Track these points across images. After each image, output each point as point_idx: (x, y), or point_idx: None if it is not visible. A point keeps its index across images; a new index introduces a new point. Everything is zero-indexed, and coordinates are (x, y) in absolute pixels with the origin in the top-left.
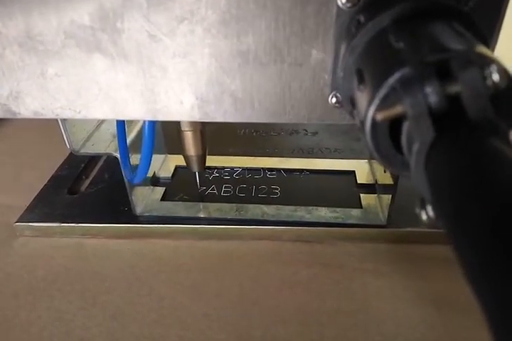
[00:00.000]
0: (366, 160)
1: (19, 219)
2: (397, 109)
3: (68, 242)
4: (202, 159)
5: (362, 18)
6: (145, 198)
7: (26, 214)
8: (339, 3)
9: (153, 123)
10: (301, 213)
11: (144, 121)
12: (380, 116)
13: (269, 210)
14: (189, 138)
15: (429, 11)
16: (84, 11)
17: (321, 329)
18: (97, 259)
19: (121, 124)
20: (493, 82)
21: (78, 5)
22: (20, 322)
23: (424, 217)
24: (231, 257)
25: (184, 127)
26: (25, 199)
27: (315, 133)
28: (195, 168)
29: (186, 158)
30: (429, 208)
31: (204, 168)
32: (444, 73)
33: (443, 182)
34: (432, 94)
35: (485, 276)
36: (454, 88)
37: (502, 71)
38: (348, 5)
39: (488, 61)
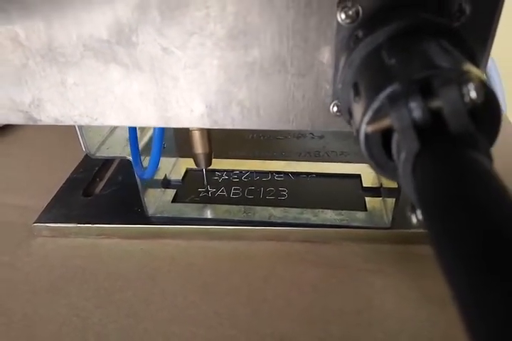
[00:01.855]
0: None
1: (37, 220)
2: (385, 122)
3: (84, 242)
4: (209, 157)
5: (360, 34)
6: (157, 200)
7: (44, 215)
8: (339, 19)
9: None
10: (308, 215)
11: None
12: (370, 129)
13: (276, 212)
14: (197, 137)
15: (422, 29)
16: (102, 25)
17: (327, 327)
18: (112, 259)
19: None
20: (471, 99)
21: (97, 20)
22: (39, 318)
23: (414, 220)
24: (240, 257)
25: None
26: (41, 200)
27: (321, 137)
28: (202, 164)
29: (194, 155)
30: (419, 212)
31: (210, 165)
32: (428, 90)
33: (427, 189)
34: (415, 109)
35: (462, 278)
36: (436, 104)
37: (479, 88)
38: (347, 21)
39: (467, 79)
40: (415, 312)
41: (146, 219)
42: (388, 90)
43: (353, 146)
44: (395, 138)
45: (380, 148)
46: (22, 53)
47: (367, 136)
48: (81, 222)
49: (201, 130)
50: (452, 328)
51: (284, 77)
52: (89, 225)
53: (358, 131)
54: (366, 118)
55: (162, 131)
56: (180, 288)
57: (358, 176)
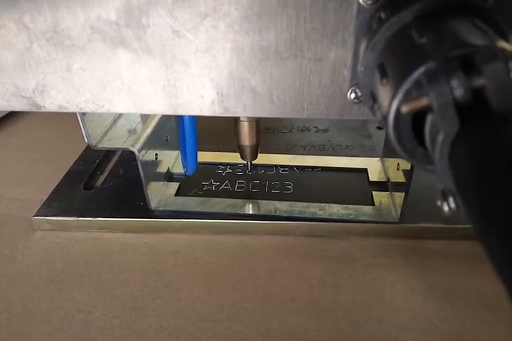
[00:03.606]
0: (378, 159)
1: (37, 213)
2: (423, 102)
3: (85, 236)
4: (255, 149)
5: (383, 15)
6: (160, 193)
7: (44, 209)
8: (360, 0)
9: (192, 118)
10: (314, 209)
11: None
12: (405, 109)
13: (281, 206)
14: (245, 128)
15: (451, 8)
16: (110, 6)
17: (336, 321)
18: (114, 253)
19: (191, 119)
20: None
21: (105, 1)
22: (40, 312)
23: (445, 208)
24: (246, 251)
25: (242, 117)
26: (40, 194)
27: (326, 131)
28: (248, 157)
29: (241, 147)
30: (451, 200)
31: (256, 157)
32: (467, 67)
33: (467, 172)
34: (457, 86)
35: None
36: (479, 81)
37: None
38: (369, 2)
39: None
40: (425, 307)
41: (149, 213)
42: (423, 68)
43: (358, 140)
44: (430, 120)
45: (409, 132)
46: (26, 36)
47: (397, 117)
48: (82, 215)
49: (250, 121)
50: (462, 323)
51: (300, 62)
52: (91, 219)
53: (385, 113)
54: (398, 99)
55: (193, 122)
56: (185, 282)
57: (365, 170)
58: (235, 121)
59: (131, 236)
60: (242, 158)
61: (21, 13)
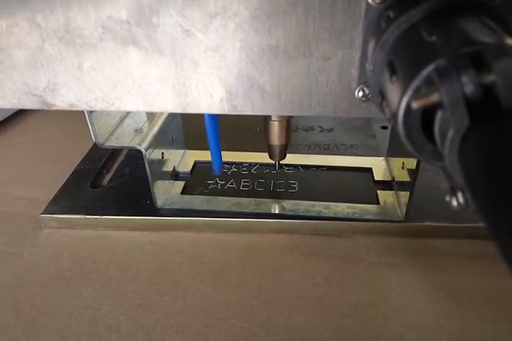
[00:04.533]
0: (383, 158)
1: (44, 211)
2: (433, 98)
3: (92, 234)
4: (284, 149)
5: (391, 14)
6: (166, 192)
7: (51, 207)
8: None
9: (212, 117)
10: (319, 208)
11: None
12: (416, 105)
13: (287, 205)
14: (275, 128)
15: (459, 6)
16: (121, 6)
17: (342, 319)
18: (121, 250)
19: (211, 118)
20: None
21: (116, 0)
22: (48, 309)
23: (454, 203)
24: (251, 249)
25: (273, 117)
26: (47, 192)
27: (330, 130)
28: (276, 157)
29: (270, 147)
30: (460, 195)
31: (285, 157)
32: (477, 65)
33: (477, 168)
34: (467, 83)
35: None
36: (489, 77)
37: None
38: (378, 1)
39: None
40: (430, 305)
41: (156, 211)
42: (433, 65)
43: (362, 139)
44: (439, 116)
45: (419, 128)
46: (38, 35)
47: (407, 114)
48: (89, 213)
49: (281, 121)
50: (467, 321)
51: (309, 61)
52: (98, 217)
53: (396, 110)
54: (408, 95)
55: (213, 122)
56: (191, 280)
57: (369, 169)
58: (265, 120)
59: (137, 234)
60: (271, 157)
61: (34, 12)
